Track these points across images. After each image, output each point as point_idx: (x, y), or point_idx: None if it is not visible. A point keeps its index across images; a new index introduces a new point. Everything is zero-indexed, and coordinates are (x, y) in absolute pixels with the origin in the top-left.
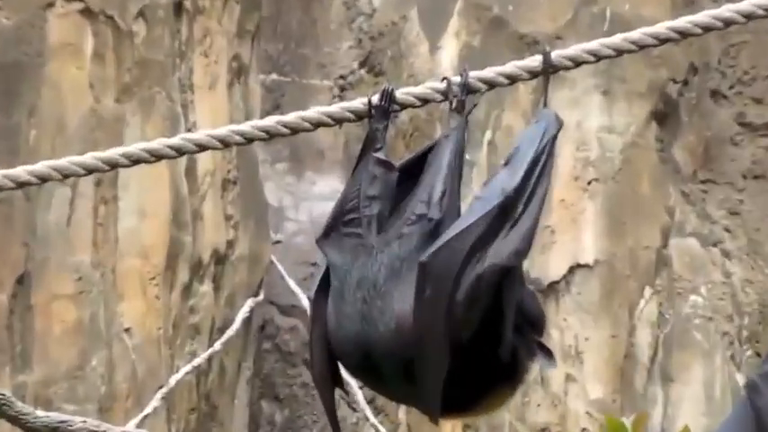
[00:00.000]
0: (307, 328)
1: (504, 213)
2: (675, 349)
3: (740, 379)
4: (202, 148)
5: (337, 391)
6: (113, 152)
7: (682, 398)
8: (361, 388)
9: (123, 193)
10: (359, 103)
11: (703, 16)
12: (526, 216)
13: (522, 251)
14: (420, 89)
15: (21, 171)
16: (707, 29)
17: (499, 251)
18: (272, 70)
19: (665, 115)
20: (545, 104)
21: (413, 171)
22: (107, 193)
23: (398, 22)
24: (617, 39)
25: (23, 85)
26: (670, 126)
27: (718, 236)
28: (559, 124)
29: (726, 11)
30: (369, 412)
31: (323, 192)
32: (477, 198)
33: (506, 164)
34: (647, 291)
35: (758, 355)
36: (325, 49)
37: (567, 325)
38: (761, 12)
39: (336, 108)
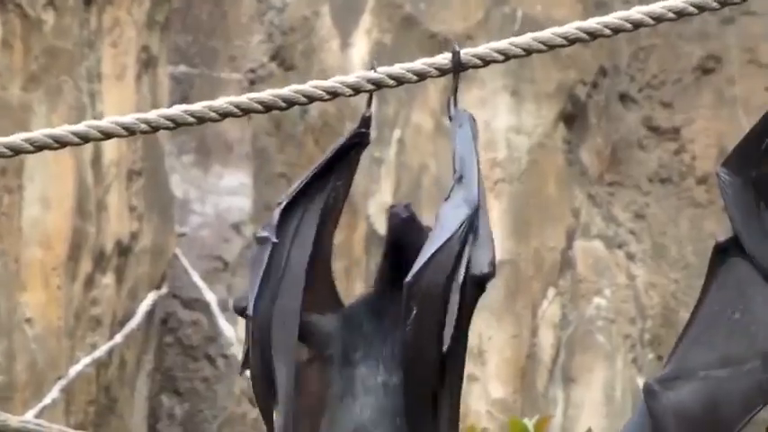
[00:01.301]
0: (245, 341)
1: (471, 224)
2: (578, 351)
3: (641, 382)
4: (108, 135)
5: (238, 387)
6: (17, 137)
7: (583, 400)
8: None
9: (28, 182)
10: (267, 94)
11: (613, 18)
12: (482, 222)
13: (494, 258)
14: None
15: None
16: (616, 30)
17: (477, 262)
18: (182, 62)
19: (573, 117)
20: (455, 103)
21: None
22: (11, 182)
23: (310, 18)
24: (526, 38)
25: None
26: (578, 128)
27: (623, 238)
28: (476, 124)
29: (635, 12)
30: None
31: (229, 185)
32: (443, 215)
33: (460, 177)
34: (551, 291)
35: (660, 358)
36: (235, 42)
37: (471, 324)
38: (671, 15)
39: (244, 98)
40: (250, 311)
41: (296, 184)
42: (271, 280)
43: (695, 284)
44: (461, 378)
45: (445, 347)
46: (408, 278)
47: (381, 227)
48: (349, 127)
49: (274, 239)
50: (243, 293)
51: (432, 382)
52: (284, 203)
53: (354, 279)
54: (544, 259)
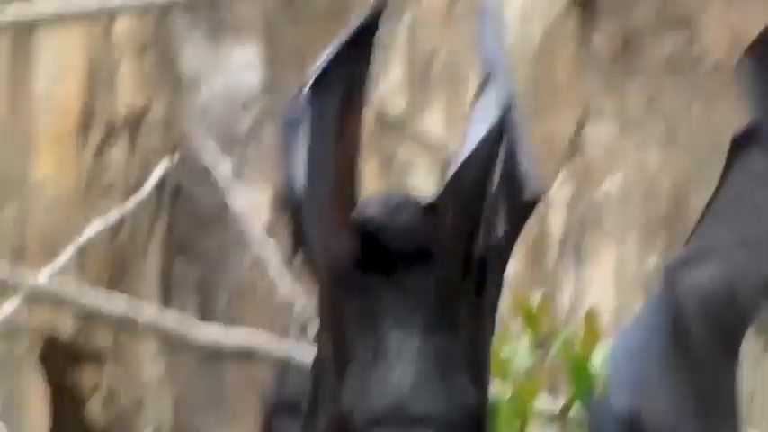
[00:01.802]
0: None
1: (503, 124)
2: (588, 231)
3: (652, 263)
4: (120, 11)
5: (250, 255)
6: (32, 10)
7: (592, 278)
8: (276, 253)
9: (38, 53)
10: None
11: None
12: (517, 128)
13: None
14: None
15: None
16: None
17: (522, 186)
18: None
19: (586, 2)
20: None
21: None
22: (24, 56)
23: None
24: None
25: None
26: (590, 13)
27: (634, 124)
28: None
29: None
30: (283, 276)
31: (239, 60)
32: (475, 116)
33: (490, 73)
34: (563, 174)
35: (669, 241)
36: None
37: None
38: None
39: None
40: (290, 202)
41: (317, 64)
42: (303, 164)
43: (706, 168)
44: (501, 285)
45: (484, 247)
46: (449, 175)
47: (394, 108)
48: (361, 4)
49: (305, 119)
50: (282, 184)
51: (468, 286)
52: (310, 83)
53: (366, 160)
54: (555, 141)
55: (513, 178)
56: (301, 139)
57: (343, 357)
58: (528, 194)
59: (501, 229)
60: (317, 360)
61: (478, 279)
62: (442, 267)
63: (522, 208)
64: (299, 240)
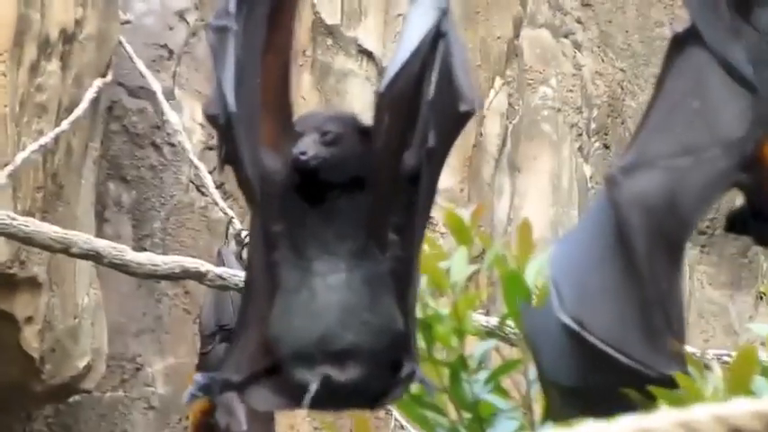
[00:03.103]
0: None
1: (438, 30)
2: (524, 140)
3: (587, 170)
4: None
5: (185, 175)
6: None
7: (528, 188)
8: (210, 172)
9: None
10: None
11: None
12: (451, 37)
13: (474, 91)
14: None
15: None
16: None
17: (456, 96)
18: None
19: None
20: None
21: None
22: None
23: None
24: None
25: None
26: None
27: (569, 27)
28: None
29: None
30: (217, 197)
31: None
32: (409, 21)
33: None
34: (498, 81)
35: (606, 147)
36: None
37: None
38: None
39: None
40: (219, 115)
41: None
42: (234, 74)
43: (642, 73)
44: (433, 194)
45: (415, 158)
46: (381, 87)
47: (330, 17)
48: None
49: (234, 27)
50: (211, 96)
51: (401, 198)
52: None
53: (302, 71)
54: (491, 49)
55: (447, 89)
56: (230, 48)
57: (272, 282)
58: (462, 106)
59: (434, 140)
60: (248, 282)
61: (409, 195)
62: (371, 194)
63: (456, 119)
64: (231, 157)
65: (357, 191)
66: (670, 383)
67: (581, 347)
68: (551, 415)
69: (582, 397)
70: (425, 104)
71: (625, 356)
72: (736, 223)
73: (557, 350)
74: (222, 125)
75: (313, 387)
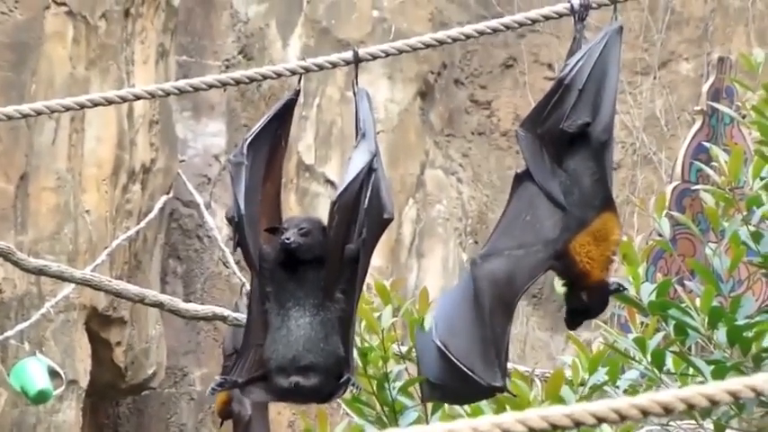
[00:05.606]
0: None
1: (371, 165)
2: (426, 238)
3: (465, 258)
4: (138, 97)
5: (216, 256)
6: (83, 98)
7: (429, 268)
8: (231, 253)
9: (88, 126)
10: (237, 74)
11: (453, 32)
12: (380, 165)
13: (392, 207)
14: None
15: (25, 108)
16: (455, 39)
17: (381, 208)
18: (183, 53)
19: (425, 93)
20: (356, 83)
21: None
22: (78, 125)
23: (263, 27)
24: (399, 43)
25: (29, 56)
26: (428, 100)
27: (455, 169)
28: (370, 97)
29: (468, 29)
30: (236, 269)
31: (212, 130)
32: (353, 158)
33: (363, 133)
34: (411, 201)
35: (476, 242)
36: (217, 41)
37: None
38: (487, 31)
39: (222, 76)
40: (234, 217)
41: (254, 128)
42: (244, 192)
43: (498, 197)
44: (366, 269)
45: (355, 246)
46: (334, 198)
47: (307, 159)
48: (287, 94)
49: (246, 162)
50: (230, 206)
51: (345, 271)
52: (249, 139)
53: (289, 192)
54: (407, 181)
55: (376, 202)
56: (242, 176)
57: (264, 322)
58: (386, 214)
59: (367, 234)
60: (249, 321)
61: (351, 269)
62: (327, 268)
63: (381, 222)
64: (240, 244)
65: (319, 266)
66: (501, 390)
67: (445, 361)
68: (425, 397)
69: (443, 390)
70: (362, 211)
71: (470, 371)
72: (571, 318)
73: (432, 360)
74: (236, 224)
75: (288, 388)
